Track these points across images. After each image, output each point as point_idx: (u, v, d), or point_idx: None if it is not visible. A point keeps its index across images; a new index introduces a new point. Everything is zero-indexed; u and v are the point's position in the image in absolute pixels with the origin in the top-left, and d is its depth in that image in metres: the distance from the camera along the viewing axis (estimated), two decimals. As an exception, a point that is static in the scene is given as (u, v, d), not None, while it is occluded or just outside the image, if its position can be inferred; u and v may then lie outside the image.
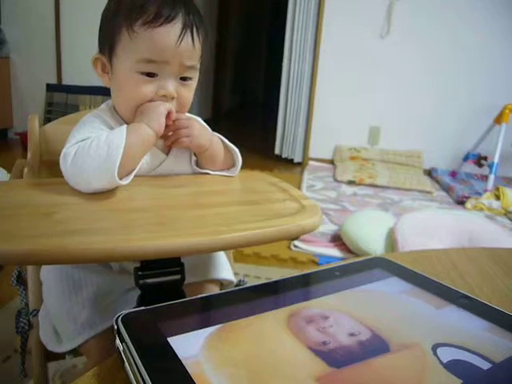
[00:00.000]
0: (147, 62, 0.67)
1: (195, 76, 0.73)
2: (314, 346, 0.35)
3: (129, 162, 0.64)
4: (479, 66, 3.54)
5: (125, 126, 0.66)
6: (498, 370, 0.34)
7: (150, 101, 0.70)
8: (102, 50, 0.73)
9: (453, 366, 0.34)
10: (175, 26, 0.67)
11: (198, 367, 0.32)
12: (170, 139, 0.73)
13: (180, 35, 0.67)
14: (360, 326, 0.39)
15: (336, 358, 0.34)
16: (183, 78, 0.71)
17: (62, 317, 0.70)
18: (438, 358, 0.34)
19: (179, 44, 0.67)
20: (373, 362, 0.34)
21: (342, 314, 0.40)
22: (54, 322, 0.72)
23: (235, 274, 0.86)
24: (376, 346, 0.36)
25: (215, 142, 0.77)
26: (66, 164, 0.63)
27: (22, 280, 0.83)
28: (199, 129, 0.74)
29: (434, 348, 0.36)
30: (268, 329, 0.38)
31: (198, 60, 0.72)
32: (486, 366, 0.34)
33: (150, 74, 0.69)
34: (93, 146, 0.62)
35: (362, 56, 3.71)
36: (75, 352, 0.72)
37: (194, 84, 0.74)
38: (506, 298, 0.55)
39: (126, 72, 0.69)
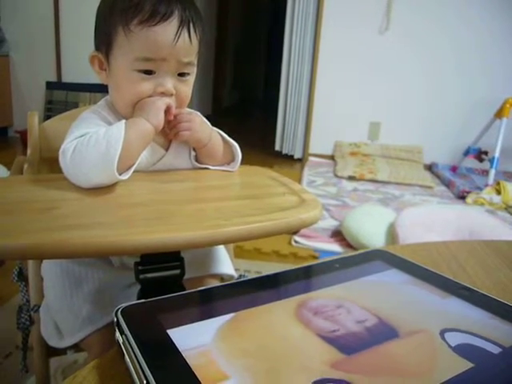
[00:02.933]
0: (144, 60, 0.67)
1: (193, 71, 0.73)
2: (325, 333, 0.35)
3: (128, 157, 0.64)
4: (479, 61, 3.54)
5: (123, 121, 0.66)
6: (509, 354, 0.34)
7: (149, 97, 0.70)
8: (98, 47, 0.72)
9: (462, 350, 0.34)
10: (172, 24, 0.66)
11: (201, 358, 0.32)
12: (171, 133, 0.73)
13: (177, 33, 0.66)
14: (367, 314, 0.39)
15: (347, 344, 0.34)
16: (181, 74, 0.71)
17: (63, 312, 0.70)
18: (447, 343, 0.35)
19: (176, 41, 0.67)
20: (383, 347, 0.34)
21: (349, 302, 0.41)
22: (55, 318, 0.73)
23: (236, 269, 0.86)
24: (385, 333, 0.36)
25: (214, 136, 0.77)
26: (66, 160, 0.63)
27: (22, 276, 0.83)
28: (200, 123, 0.74)
29: (442, 333, 0.36)
30: (276, 319, 0.38)
31: (195, 56, 0.72)
32: (496, 350, 0.34)
33: (148, 72, 0.68)
34: (91, 141, 0.62)
35: (362, 52, 3.70)
36: (76, 347, 0.73)
37: (192, 79, 0.73)
38: (507, 290, 0.55)
39: (124, 70, 0.69)
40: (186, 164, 0.78)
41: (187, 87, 0.73)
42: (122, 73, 0.69)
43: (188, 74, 0.72)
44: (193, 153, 0.78)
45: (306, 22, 3.66)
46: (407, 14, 3.55)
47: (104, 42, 0.70)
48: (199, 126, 0.74)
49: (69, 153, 0.63)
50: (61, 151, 0.64)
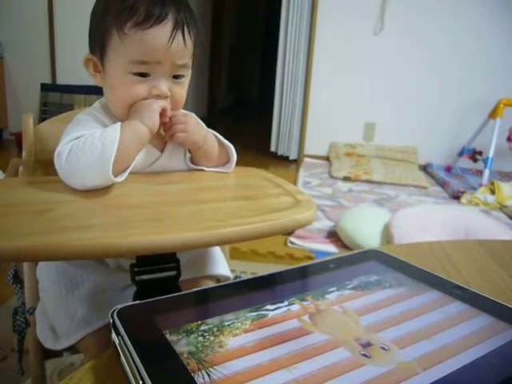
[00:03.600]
0: (139, 63, 0.67)
1: (187, 73, 0.73)
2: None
3: (123, 159, 0.64)
4: (473, 62, 3.55)
5: (119, 123, 0.66)
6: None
7: (144, 99, 0.70)
8: (92, 50, 0.72)
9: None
10: (166, 26, 0.66)
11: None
12: (166, 134, 0.73)
13: (171, 35, 0.66)
14: None
15: None
16: (176, 76, 0.71)
17: (59, 314, 0.70)
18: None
19: (170, 44, 0.67)
20: None
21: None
22: (51, 320, 0.73)
23: (232, 270, 0.86)
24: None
25: (210, 138, 0.77)
26: (61, 162, 0.63)
27: (18, 278, 0.83)
28: (195, 125, 0.75)
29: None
30: None
31: (189, 58, 0.72)
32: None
33: (143, 74, 0.68)
34: (87, 143, 0.62)
35: (357, 53, 3.71)
36: (73, 349, 0.73)
37: (186, 81, 0.74)
38: (499, 289, 0.55)
39: (118, 73, 0.69)
40: (182, 165, 0.78)
41: (182, 89, 0.73)
42: (117, 75, 0.69)
43: (183, 76, 0.72)
44: (188, 154, 0.78)
45: (300, 22, 3.67)
46: (403, 13, 3.56)
47: (98, 44, 0.70)
48: (194, 127, 0.74)
49: (64, 155, 0.63)
50: (56, 153, 0.64)
